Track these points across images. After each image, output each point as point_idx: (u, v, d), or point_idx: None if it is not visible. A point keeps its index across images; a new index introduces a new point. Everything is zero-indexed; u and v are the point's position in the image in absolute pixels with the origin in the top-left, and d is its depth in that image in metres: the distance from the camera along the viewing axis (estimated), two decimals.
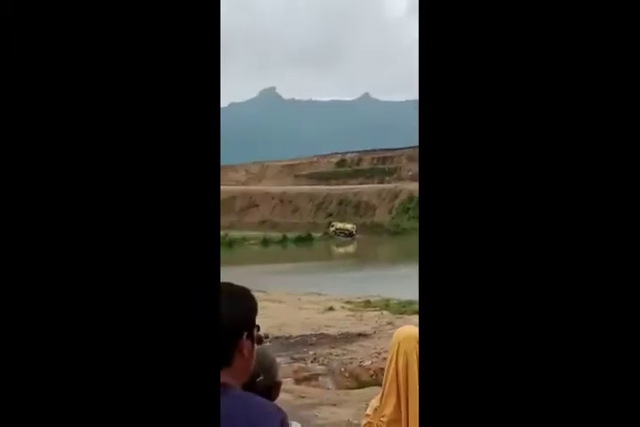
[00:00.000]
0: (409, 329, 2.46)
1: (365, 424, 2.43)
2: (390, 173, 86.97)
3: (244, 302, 1.81)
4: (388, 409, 2.34)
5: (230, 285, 1.82)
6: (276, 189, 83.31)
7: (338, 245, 62.66)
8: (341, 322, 23.79)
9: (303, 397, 13.40)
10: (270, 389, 2.21)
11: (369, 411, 2.43)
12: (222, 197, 75.98)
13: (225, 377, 1.60)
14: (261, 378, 2.18)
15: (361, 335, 21.16)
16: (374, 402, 2.41)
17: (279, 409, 1.74)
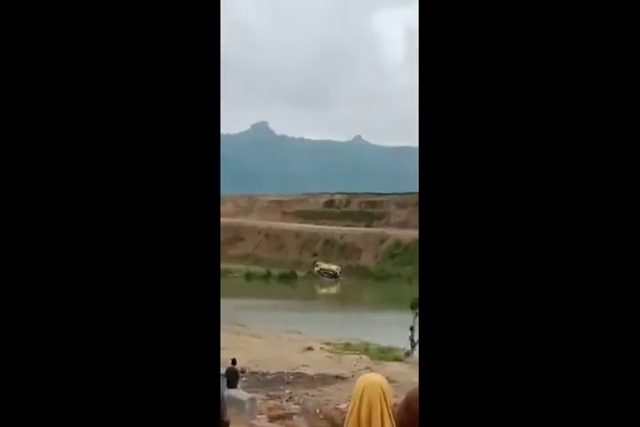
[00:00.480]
0: (373, 376, 2.42)
1: None
2: (378, 217, 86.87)
3: None
4: None
5: None
6: (262, 223, 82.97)
7: (321, 286, 62.12)
8: (319, 363, 23.62)
9: None
10: None
11: None
12: None
13: None
14: None
15: (338, 378, 20.97)
16: None
17: None
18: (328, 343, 27.01)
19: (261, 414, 15.96)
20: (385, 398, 2.24)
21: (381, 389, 2.28)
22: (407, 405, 1.82)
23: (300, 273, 66.90)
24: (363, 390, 2.27)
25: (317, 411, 16.53)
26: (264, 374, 21.32)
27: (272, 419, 15.85)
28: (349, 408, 2.33)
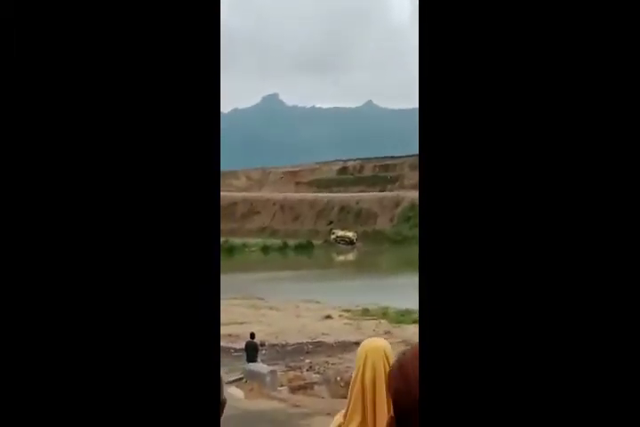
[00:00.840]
0: (376, 341, 2.39)
1: None
2: (392, 181, 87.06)
3: None
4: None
5: None
6: (276, 195, 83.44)
7: (338, 253, 62.69)
8: (338, 330, 23.78)
9: (298, 406, 13.39)
10: None
11: None
12: (223, 203, 76.03)
13: None
14: None
15: (358, 344, 20.98)
16: (338, 418, 2.28)
17: None
18: (347, 310, 27.16)
19: (282, 385, 16.07)
20: (389, 363, 2.20)
21: (384, 353, 2.26)
22: (400, 367, 1.67)
23: (316, 242, 67.39)
24: (366, 356, 2.25)
25: (338, 379, 16.59)
26: (284, 346, 21.49)
27: (293, 390, 15.95)
28: (353, 375, 2.28)
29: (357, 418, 2.20)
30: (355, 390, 2.23)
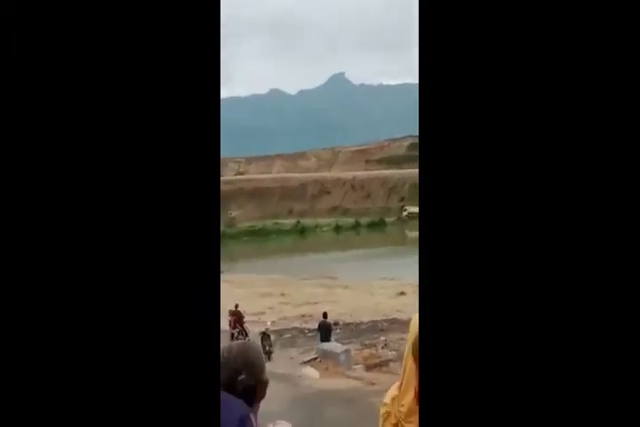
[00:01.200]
0: None
1: (383, 414, 2.28)
2: None
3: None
4: (407, 399, 2.20)
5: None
6: (347, 174, 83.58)
7: (411, 229, 62.73)
8: (412, 307, 23.64)
9: (373, 383, 13.33)
10: (253, 388, 2.03)
11: (387, 400, 2.28)
12: (293, 184, 76.65)
13: None
14: (243, 377, 2.00)
15: None
16: (392, 391, 2.25)
17: (242, 406, 1.82)
18: None
19: (357, 364, 16.03)
20: None
21: None
22: None
23: (388, 220, 67.61)
24: (417, 330, 2.13)
25: None
26: (358, 324, 21.47)
27: (369, 368, 15.87)
28: (406, 350, 2.23)
29: (411, 391, 2.17)
30: (408, 364, 2.19)
